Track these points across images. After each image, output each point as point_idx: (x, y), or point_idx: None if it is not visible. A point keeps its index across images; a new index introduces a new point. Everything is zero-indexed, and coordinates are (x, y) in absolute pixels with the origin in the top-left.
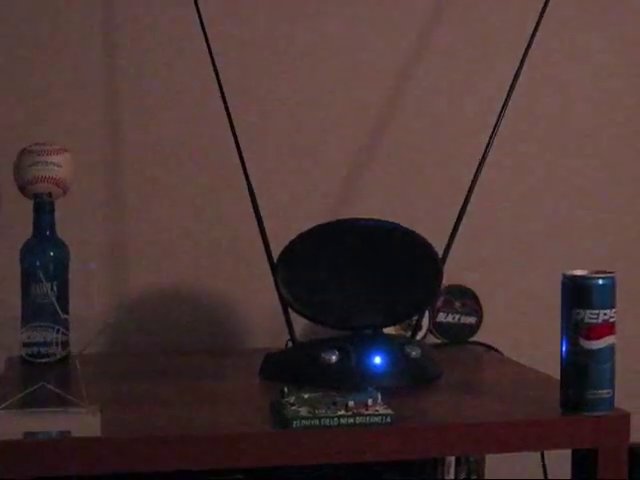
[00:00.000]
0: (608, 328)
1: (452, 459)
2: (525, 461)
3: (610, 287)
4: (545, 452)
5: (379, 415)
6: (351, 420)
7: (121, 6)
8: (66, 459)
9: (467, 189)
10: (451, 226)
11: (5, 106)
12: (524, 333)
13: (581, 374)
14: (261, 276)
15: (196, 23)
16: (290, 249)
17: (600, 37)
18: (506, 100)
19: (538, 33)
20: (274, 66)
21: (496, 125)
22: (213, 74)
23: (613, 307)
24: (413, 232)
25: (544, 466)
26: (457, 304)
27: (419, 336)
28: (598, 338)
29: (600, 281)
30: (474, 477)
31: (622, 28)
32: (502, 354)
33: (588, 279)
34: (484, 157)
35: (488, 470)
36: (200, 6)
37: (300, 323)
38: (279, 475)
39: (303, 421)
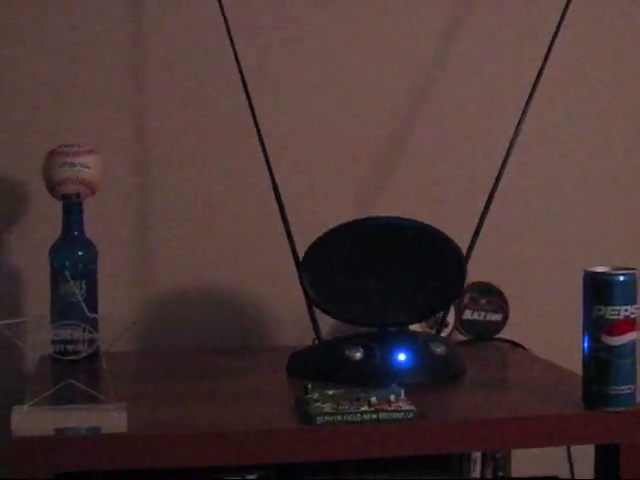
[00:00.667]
0: (629, 324)
1: (478, 455)
2: (551, 458)
3: (631, 283)
4: (572, 448)
5: (402, 411)
6: (374, 416)
7: (151, 9)
8: (94, 455)
9: (491, 187)
10: (475, 224)
11: (34, 108)
12: (549, 329)
13: (603, 370)
14: (287, 274)
15: (223, 29)
16: (315, 247)
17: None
18: (528, 100)
19: (558, 38)
20: (301, 67)
21: (519, 123)
22: (239, 78)
23: (634, 303)
24: (437, 230)
25: (570, 463)
26: (483, 301)
27: (445, 333)
28: (619, 334)
29: (621, 277)
30: (501, 474)
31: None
32: (527, 351)
33: (609, 275)
34: (508, 155)
35: (514, 467)
36: (227, 14)
37: (326, 321)
38: (302, 470)
39: (326, 417)
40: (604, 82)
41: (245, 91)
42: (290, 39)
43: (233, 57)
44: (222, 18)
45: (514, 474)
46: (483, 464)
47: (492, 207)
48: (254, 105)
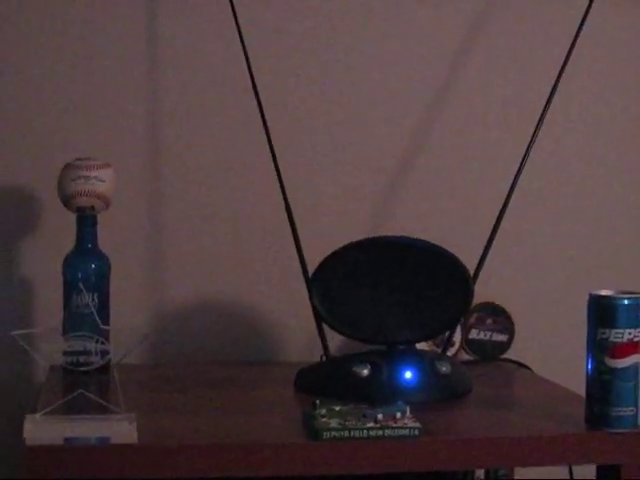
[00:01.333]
0: (633, 347)
1: (482, 472)
2: (554, 476)
3: (635, 307)
4: (573, 468)
5: (407, 428)
6: (380, 432)
7: (164, 21)
8: (104, 464)
9: (499, 209)
10: (483, 244)
11: (50, 121)
12: (554, 351)
13: (606, 391)
14: (297, 291)
15: (236, 38)
16: (325, 265)
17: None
18: (539, 123)
19: (574, 52)
20: (312, 83)
21: (529, 147)
22: (252, 92)
23: (638, 326)
24: (445, 250)
25: None
26: (489, 321)
27: (451, 352)
28: (623, 357)
29: (625, 301)
30: None
31: None
32: (532, 371)
33: (614, 299)
34: (517, 177)
35: None
36: (241, 23)
37: (335, 338)
38: None
39: (333, 432)
40: (620, 99)
41: (258, 105)
42: (305, 51)
43: (247, 70)
44: (236, 31)
45: None
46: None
47: (500, 228)
48: (267, 119)
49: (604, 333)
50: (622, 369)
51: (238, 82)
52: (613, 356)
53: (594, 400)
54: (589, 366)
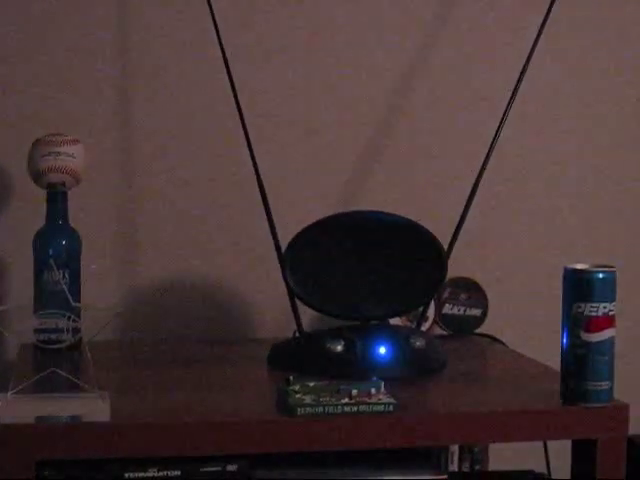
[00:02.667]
0: (608, 321)
1: (456, 449)
2: (528, 451)
3: (610, 281)
4: (548, 443)
5: (382, 404)
6: (354, 408)
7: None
8: (76, 443)
9: (473, 183)
10: (457, 219)
11: (18, 98)
12: (529, 325)
13: (581, 366)
14: (269, 267)
15: (208, 19)
16: (298, 240)
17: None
18: (512, 95)
19: (545, 30)
20: (285, 58)
21: (502, 120)
22: (224, 68)
23: (613, 300)
24: (418, 225)
25: (547, 457)
26: (463, 296)
27: (425, 327)
28: (598, 331)
29: (600, 275)
30: (477, 467)
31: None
32: (506, 346)
33: (589, 273)
34: (490, 152)
35: (492, 460)
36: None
37: (307, 314)
38: (283, 461)
39: (307, 408)
40: (591, 77)
41: (231, 84)
42: (277, 37)
43: (218, 46)
44: (209, 13)
45: (491, 468)
46: (461, 458)
47: (474, 203)
48: (239, 97)
49: (579, 307)
50: (597, 343)
51: (210, 57)
52: (588, 330)
53: (569, 375)
54: (564, 340)
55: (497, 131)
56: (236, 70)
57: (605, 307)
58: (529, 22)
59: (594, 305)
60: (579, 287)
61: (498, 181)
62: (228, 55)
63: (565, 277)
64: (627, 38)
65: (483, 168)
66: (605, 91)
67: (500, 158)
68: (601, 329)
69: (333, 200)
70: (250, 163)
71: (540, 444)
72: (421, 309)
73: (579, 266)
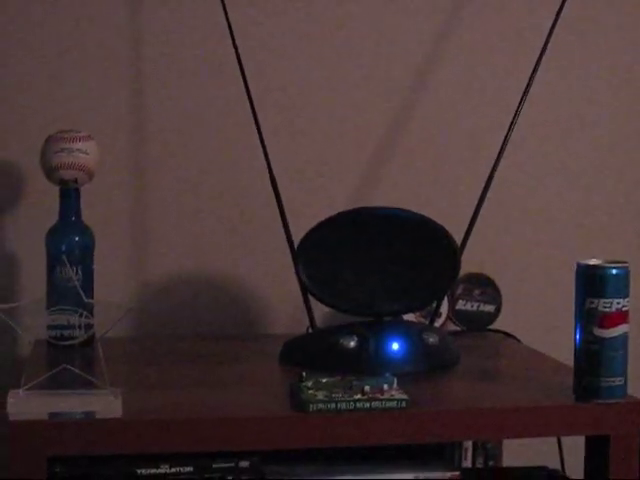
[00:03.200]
0: (621, 317)
1: (469, 445)
2: (542, 448)
3: (624, 276)
4: (562, 440)
5: (394, 400)
6: (367, 404)
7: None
8: (88, 439)
9: (486, 178)
10: (470, 215)
11: (32, 93)
12: (542, 321)
13: (594, 362)
14: (282, 263)
15: (221, 17)
16: (311, 236)
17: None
18: (525, 91)
19: (555, 33)
20: (299, 59)
21: (516, 114)
22: (237, 68)
23: (627, 296)
24: (432, 221)
25: (561, 453)
26: (476, 292)
27: (438, 323)
28: (611, 327)
29: (614, 271)
30: (491, 463)
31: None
32: (520, 342)
33: (602, 268)
34: (503, 146)
35: (506, 456)
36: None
37: (321, 310)
38: (295, 457)
39: (320, 404)
40: (600, 79)
41: (243, 80)
42: (289, 35)
43: (232, 45)
44: (221, 10)
45: (505, 464)
46: (474, 453)
47: (487, 199)
48: (252, 95)
49: (592, 303)
50: (611, 339)
51: (222, 56)
52: (602, 326)
53: (582, 370)
54: (577, 336)
55: (511, 125)
56: (249, 69)
57: (619, 303)
58: (538, 24)
59: (607, 301)
60: (592, 283)
61: (511, 177)
62: (241, 53)
63: (578, 273)
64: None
65: (496, 164)
66: (617, 92)
67: (514, 154)
68: (614, 325)
69: (346, 196)
70: (262, 160)
71: (554, 440)
72: (434, 305)
73: (592, 262)
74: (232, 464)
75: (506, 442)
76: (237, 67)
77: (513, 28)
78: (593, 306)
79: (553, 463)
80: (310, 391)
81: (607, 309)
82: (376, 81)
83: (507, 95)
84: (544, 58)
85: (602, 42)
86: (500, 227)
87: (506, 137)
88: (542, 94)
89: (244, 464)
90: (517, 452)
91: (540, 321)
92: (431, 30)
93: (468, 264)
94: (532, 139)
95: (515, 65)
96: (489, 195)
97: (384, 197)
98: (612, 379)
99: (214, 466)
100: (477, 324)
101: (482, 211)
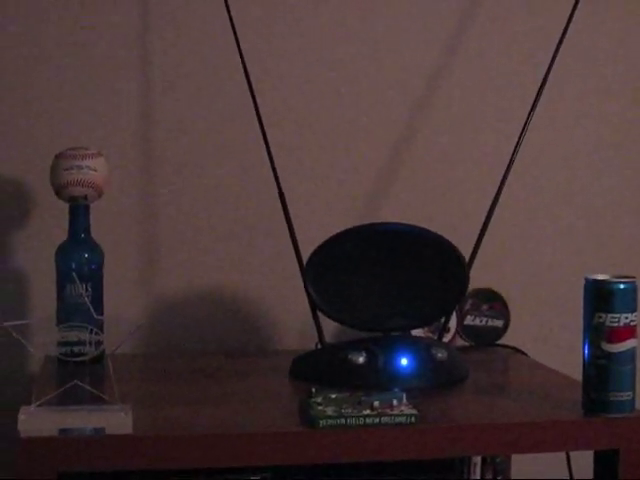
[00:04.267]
0: (629, 331)
1: (478, 459)
2: (551, 462)
3: (631, 291)
4: (571, 453)
5: (403, 415)
6: (376, 420)
7: (156, 14)
8: (99, 455)
9: (494, 194)
10: (478, 230)
11: (41, 111)
12: (551, 336)
13: (602, 376)
14: (291, 279)
15: (229, 34)
16: (319, 252)
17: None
18: (533, 106)
19: (566, 39)
20: (307, 74)
21: (523, 130)
22: (246, 83)
23: (634, 311)
24: (440, 236)
25: (569, 467)
26: (484, 307)
27: (447, 339)
28: (619, 341)
29: (621, 285)
30: (500, 477)
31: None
32: (528, 356)
33: (609, 283)
34: (510, 164)
35: (514, 471)
36: (234, 17)
37: (330, 325)
38: (305, 473)
39: (329, 420)
40: (611, 88)
41: (252, 96)
42: (297, 48)
43: (240, 62)
44: (229, 23)
45: (513, 477)
46: (483, 468)
47: (495, 214)
48: (260, 108)
49: (600, 317)
50: (619, 353)
51: (231, 70)
52: (610, 340)
53: (591, 385)
54: (585, 351)
55: (518, 141)
56: (257, 83)
57: (627, 317)
58: (548, 32)
59: (615, 316)
60: (600, 298)
61: (520, 192)
62: (251, 72)
63: (586, 288)
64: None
65: (504, 181)
66: (627, 102)
67: (522, 168)
68: (622, 339)
69: (355, 212)
70: (271, 176)
71: (563, 454)
72: (443, 320)
73: (600, 277)
74: None
75: (515, 456)
76: (246, 84)
77: (520, 45)
78: (601, 321)
79: (562, 476)
80: (320, 407)
81: (615, 324)
82: (383, 97)
83: (515, 111)
84: (553, 74)
85: (610, 64)
86: (508, 242)
87: (514, 152)
88: (551, 111)
89: (255, 479)
90: (526, 466)
91: (548, 336)
92: (438, 47)
93: (476, 279)
94: (540, 154)
95: (523, 81)
96: (497, 210)
97: (394, 213)
98: (620, 394)
99: None
100: (485, 339)
101: (490, 226)
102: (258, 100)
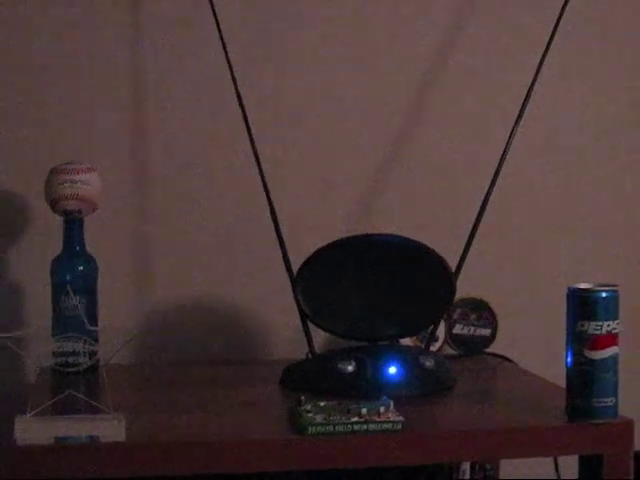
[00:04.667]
0: (611, 339)
1: (467, 465)
2: (540, 466)
3: (613, 299)
4: (558, 459)
5: (390, 422)
6: (364, 427)
7: (149, 28)
8: (93, 463)
9: (480, 204)
10: (465, 240)
11: (35, 126)
12: (537, 344)
13: (586, 383)
14: (282, 289)
15: (219, 46)
16: (309, 263)
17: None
18: (518, 119)
19: (554, 45)
20: (297, 82)
21: (507, 144)
22: (236, 95)
23: (616, 319)
24: (427, 246)
25: (557, 473)
26: (472, 316)
27: (435, 348)
28: (602, 348)
29: (603, 294)
30: None
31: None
32: (515, 364)
33: (592, 292)
34: (497, 174)
35: (502, 475)
36: (224, 29)
37: (320, 335)
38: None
39: (318, 427)
40: (604, 95)
41: (241, 107)
42: (287, 54)
43: (229, 74)
44: (218, 36)
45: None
46: (472, 473)
47: (482, 223)
48: (250, 118)
49: (583, 325)
50: (601, 360)
51: (221, 86)
52: (592, 348)
53: (575, 392)
54: (569, 358)
55: (504, 153)
56: (247, 95)
57: (609, 325)
58: (540, 36)
59: (598, 324)
60: (582, 306)
61: (506, 202)
62: (240, 82)
63: (569, 296)
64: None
65: (491, 188)
66: (619, 109)
67: (508, 179)
68: (605, 347)
69: (343, 223)
70: (261, 188)
71: (550, 461)
72: (431, 329)
73: (582, 285)
74: None
75: (504, 463)
76: (235, 95)
77: (510, 56)
78: (584, 329)
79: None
80: (309, 414)
81: (597, 332)
82: (372, 108)
83: (504, 122)
84: (540, 88)
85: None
86: (495, 251)
87: (499, 164)
88: (540, 122)
89: None
90: (514, 470)
91: (535, 344)
92: (428, 56)
93: (463, 289)
94: (526, 167)
95: (512, 92)
96: (484, 220)
97: (380, 224)
98: (603, 400)
99: None
100: (473, 348)
101: (477, 236)
102: (248, 111)
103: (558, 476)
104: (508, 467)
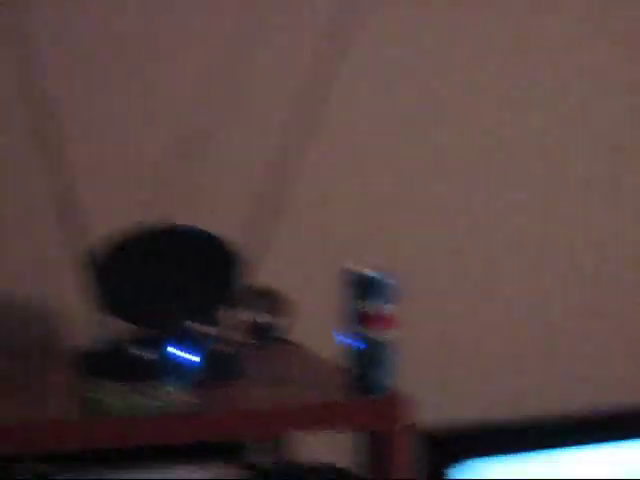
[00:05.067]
0: (387, 320)
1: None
2: (337, 448)
3: (386, 282)
4: (354, 439)
5: (185, 403)
6: (158, 409)
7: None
8: None
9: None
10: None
11: None
12: (327, 328)
13: (364, 361)
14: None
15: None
16: (103, 253)
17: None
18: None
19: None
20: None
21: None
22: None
23: (389, 300)
24: (213, 234)
25: (353, 451)
26: (265, 304)
27: (227, 334)
28: (378, 328)
29: (377, 277)
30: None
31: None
32: (307, 349)
33: (367, 275)
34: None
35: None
36: None
37: (116, 323)
38: (87, 461)
39: (114, 409)
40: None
41: None
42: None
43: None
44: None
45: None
46: (263, 451)
47: (285, 216)
48: None
49: (359, 305)
50: (377, 339)
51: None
52: (368, 327)
53: (351, 369)
54: (348, 337)
55: None
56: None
57: (385, 307)
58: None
59: (373, 304)
60: (360, 288)
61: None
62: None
63: (347, 279)
64: None
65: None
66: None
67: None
68: (381, 327)
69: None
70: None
71: (348, 440)
72: (224, 316)
73: (358, 268)
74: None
75: (297, 439)
76: None
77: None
78: (360, 309)
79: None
80: (104, 398)
81: (373, 312)
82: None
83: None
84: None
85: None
86: (289, 240)
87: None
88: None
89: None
90: (312, 451)
91: (325, 329)
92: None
93: (257, 276)
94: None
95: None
96: (294, 216)
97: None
98: (380, 377)
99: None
100: (266, 335)
101: (279, 226)
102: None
103: (353, 456)
104: (308, 453)
